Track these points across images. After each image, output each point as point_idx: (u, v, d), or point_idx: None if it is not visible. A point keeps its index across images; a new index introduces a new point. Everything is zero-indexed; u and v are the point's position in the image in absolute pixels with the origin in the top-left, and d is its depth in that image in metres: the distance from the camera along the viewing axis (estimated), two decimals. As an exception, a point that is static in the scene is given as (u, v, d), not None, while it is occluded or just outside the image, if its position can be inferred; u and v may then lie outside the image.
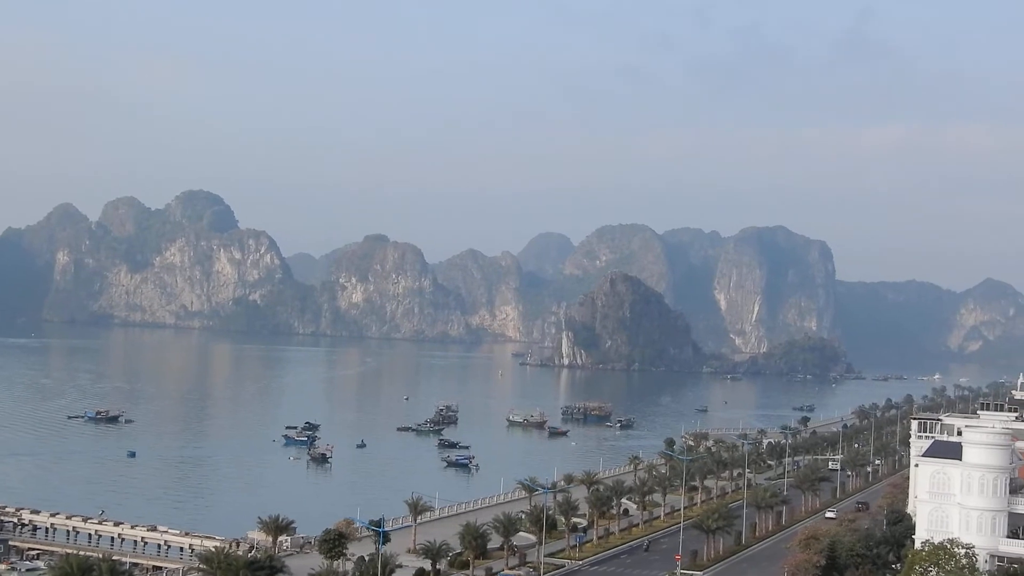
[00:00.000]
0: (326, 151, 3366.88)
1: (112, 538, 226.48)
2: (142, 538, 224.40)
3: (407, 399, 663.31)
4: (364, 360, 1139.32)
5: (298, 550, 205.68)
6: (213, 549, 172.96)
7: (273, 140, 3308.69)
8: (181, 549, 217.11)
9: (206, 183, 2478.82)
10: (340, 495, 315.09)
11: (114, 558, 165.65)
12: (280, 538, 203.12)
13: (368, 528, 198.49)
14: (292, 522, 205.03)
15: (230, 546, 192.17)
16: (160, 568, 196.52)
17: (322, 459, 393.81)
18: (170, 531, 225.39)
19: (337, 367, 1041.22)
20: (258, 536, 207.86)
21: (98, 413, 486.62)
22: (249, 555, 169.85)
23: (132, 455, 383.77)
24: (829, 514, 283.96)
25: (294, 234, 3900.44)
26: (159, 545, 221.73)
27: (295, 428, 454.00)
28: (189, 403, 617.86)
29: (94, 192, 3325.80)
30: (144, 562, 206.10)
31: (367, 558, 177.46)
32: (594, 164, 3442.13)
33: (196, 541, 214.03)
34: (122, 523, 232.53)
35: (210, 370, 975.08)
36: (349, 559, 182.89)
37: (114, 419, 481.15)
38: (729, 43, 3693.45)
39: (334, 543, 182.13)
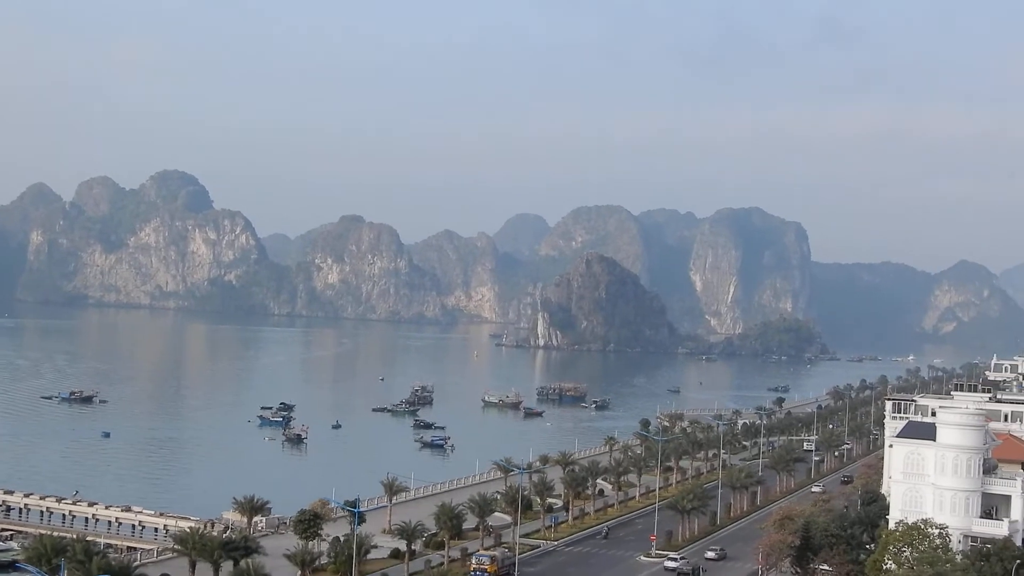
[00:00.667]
0: (301, 132, 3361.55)
1: (86, 519, 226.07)
2: (116, 519, 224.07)
3: (382, 380, 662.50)
4: (341, 341, 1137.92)
5: (273, 530, 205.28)
6: (188, 530, 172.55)
7: (248, 122, 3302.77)
8: (156, 530, 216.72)
9: (181, 163, 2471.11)
10: (315, 476, 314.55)
11: (88, 539, 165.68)
12: (255, 519, 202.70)
13: (343, 509, 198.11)
14: (267, 503, 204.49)
15: (205, 527, 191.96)
16: (135, 549, 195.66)
17: (297, 440, 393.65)
18: (144, 512, 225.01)
19: (312, 348, 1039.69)
20: (233, 517, 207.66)
21: (72, 393, 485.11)
22: (224, 536, 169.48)
23: (106, 435, 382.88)
24: (815, 488, 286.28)
25: (270, 214, 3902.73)
26: (133, 526, 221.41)
27: (270, 409, 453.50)
28: (164, 384, 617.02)
29: (68, 172, 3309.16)
30: (118, 543, 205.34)
31: (342, 538, 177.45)
32: (570, 145, 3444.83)
33: (171, 522, 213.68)
34: (96, 504, 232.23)
35: (185, 351, 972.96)
36: (324, 539, 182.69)
37: (88, 399, 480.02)
38: (705, 26, 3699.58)
39: (309, 524, 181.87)
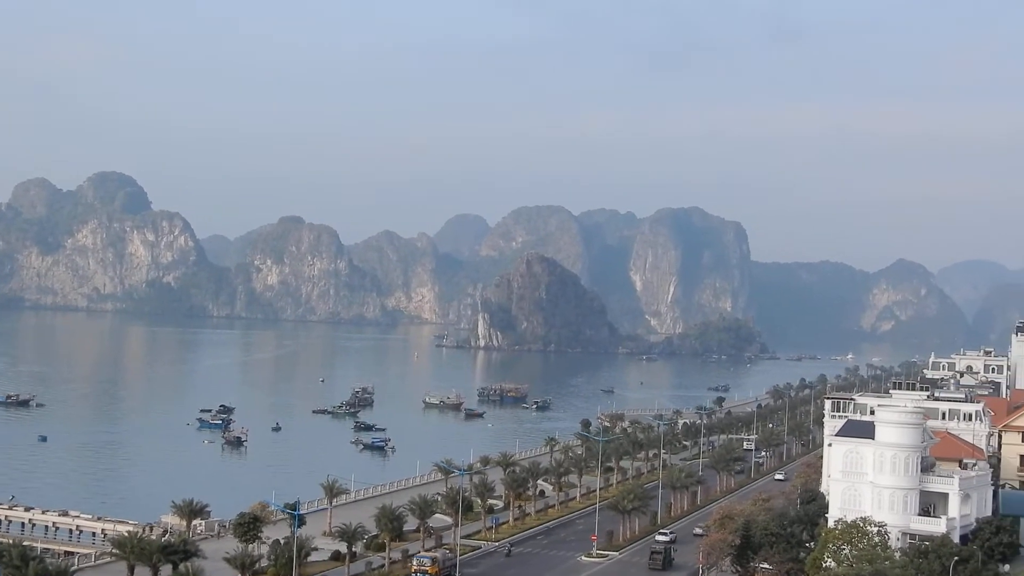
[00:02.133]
0: (240, 133, 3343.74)
1: (23, 523, 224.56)
2: (53, 523, 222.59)
3: (323, 381, 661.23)
4: (282, 343, 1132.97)
5: (212, 534, 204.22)
6: (126, 534, 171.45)
7: (187, 122, 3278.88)
8: (93, 534, 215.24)
9: (119, 165, 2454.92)
10: (255, 478, 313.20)
11: (24, 544, 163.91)
12: (194, 522, 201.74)
13: (283, 511, 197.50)
14: (206, 506, 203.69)
15: (143, 531, 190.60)
16: (72, 553, 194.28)
17: (237, 442, 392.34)
18: (82, 516, 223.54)
19: (252, 350, 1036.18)
20: (172, 520, 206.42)
21: (8, 397, 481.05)
22: (163, 539, 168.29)
23: (43, 439, 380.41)
24: (778, 476, 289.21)
25: (209, 216, 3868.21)
26: (71, 530, 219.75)
27: (210, 411, 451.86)
28: (102, 387, 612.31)
29: (4, 174, 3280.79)
30: (56, 547, 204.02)
31: (282, 541, 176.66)
32: (511, 145, 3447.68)
33: (109, 526, 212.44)
34: (33, 508, 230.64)
35: (123, 353, 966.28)
36: (264, 542, 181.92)
37: (25, 403, 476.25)
38: (650, 24, 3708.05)
39: (249, 526, 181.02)
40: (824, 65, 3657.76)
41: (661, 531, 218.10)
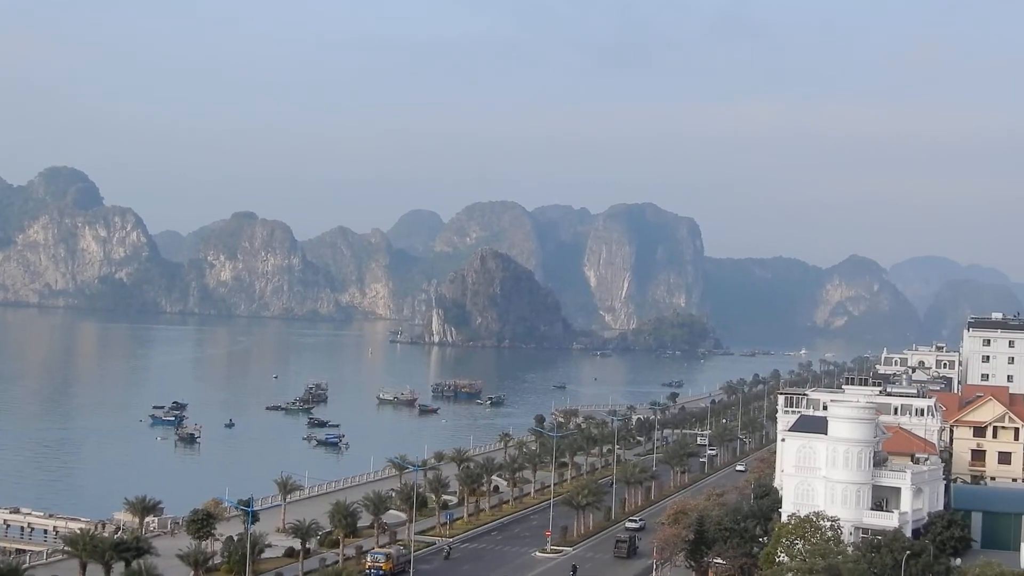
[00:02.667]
0: (193, 128, 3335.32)
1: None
2: (4, 521, 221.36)
3: (276, 378, 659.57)
4: (236, 339, 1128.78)
5: (166, 531, 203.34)
6: (78, 531, 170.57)
7: (139, 118, 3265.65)
8: (45, 532, 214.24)
9: (70, 160, 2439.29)
10: (208, 475, 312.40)
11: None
12: (147, 519, 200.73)
13: (237, 508, 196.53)
14: (159, 503, 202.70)
15: (96, 528, 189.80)
16: (24, 551, 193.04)
17: (190, 439, 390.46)
18: (34, 513, 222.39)
19: (205, 346, 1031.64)
20: (124, 517, 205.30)
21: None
22: (115, 537, 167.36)
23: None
24: (739, 467, 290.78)
25: (161, 211, 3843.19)
26: (22, 528, 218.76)
27: (163, 408, 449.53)
28: (54, 383, 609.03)
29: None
30: (7, 545, 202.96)
31: (236, 538, 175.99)
32: (465, 141, 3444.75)
33: (60, 523, 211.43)
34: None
35: (75, 349, 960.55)
36: (217, 539, 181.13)
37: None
38: (605, 21, 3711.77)
39: (202, 523, 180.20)
40: (779, 63, 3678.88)
41: (631, 518, 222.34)
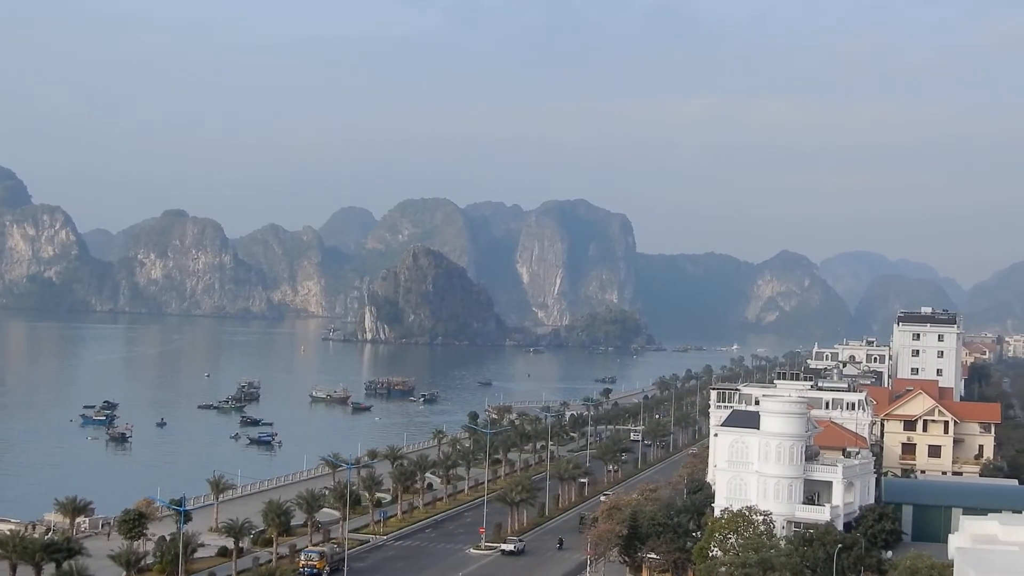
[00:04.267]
0: (121, 126, 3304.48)
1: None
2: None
3: (208, 376, 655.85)
4: (167, 338, 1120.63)
5: (97, 531, 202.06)
6: (8, 532, 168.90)
7: (67, 114, 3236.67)
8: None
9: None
10: (140, 474, 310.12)
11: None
12: (78, 519, 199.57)
13: (169, 507, 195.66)
14: (90, 503, 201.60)
15: (26, 529, 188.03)
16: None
17: (121, 438, 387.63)
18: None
19: (137, 345, 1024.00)
20: (55, 518, 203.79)
21: None
22: (46, 538, 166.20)
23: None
24: (692, 450, 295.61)
25: (91, 209, 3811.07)
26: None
27: (93, 407, 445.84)
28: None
29: None
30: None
31: (168, 538, 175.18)
32: (396, 138, 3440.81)
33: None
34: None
35: (3, 349, 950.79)
36: (150, 539, 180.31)
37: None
38: (538, 15, 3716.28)
39: (134, 523, 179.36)
40: (711, 59, 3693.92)
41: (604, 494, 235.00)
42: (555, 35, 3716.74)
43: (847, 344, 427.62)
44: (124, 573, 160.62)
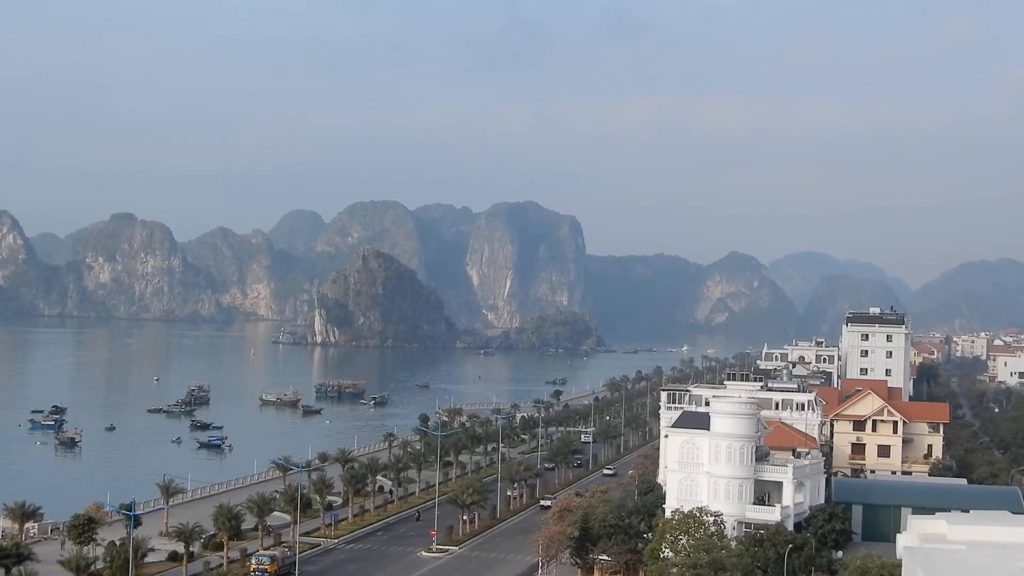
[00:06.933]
0: (69, 128, 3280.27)
1: None
2: None
3: (157, 380, 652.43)
4: (116, 342, 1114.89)
5: (46, 536, 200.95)
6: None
7: (13, 115, 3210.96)
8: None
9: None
10: (89, 479, 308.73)
11: None
12: (27, 525, 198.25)
13: (119, 512, 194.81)
14: (39, 508, 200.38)
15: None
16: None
17: (70, 443, 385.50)
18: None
19: (85, 349, 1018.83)
20: (4, 523, 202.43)
21: None
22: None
23: None
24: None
25: (38, 213, 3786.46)
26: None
27: (41, 412, 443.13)
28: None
29: None
30: None
31: (118, 542, 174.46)
32: (345, 140, 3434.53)
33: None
34: None
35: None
36: (99, 544, 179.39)
37: None
38: (488, 17, 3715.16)
39: (83, 528, 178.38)
40: (660, 60, 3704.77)
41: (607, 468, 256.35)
42: (506, 36, 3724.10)
43: (796, 345, 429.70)
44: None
